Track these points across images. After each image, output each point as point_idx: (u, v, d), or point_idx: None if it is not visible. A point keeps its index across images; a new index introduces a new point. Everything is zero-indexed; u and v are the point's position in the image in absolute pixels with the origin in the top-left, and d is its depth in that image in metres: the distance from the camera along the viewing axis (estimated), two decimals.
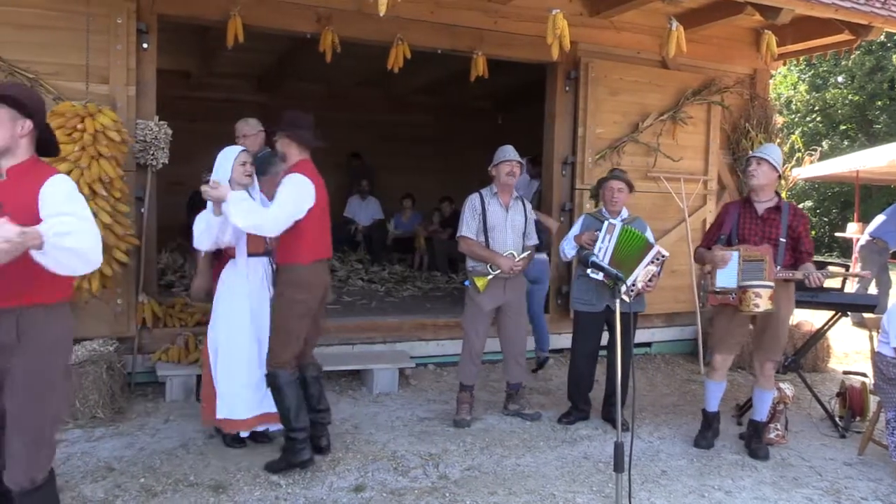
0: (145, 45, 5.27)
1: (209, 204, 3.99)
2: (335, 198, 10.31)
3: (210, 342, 4.28)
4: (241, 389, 4.18)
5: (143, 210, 5.27)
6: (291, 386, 3.99)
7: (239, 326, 4.21)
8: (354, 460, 4.21)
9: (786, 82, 22.66)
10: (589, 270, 4.81)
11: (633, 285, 4.70)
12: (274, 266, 4.26)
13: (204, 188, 3.90)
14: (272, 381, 4.00)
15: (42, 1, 4.81)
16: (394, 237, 10.05)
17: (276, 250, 4.14)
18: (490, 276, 4.80)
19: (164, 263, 7.34)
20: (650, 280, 4.74)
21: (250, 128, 5.23)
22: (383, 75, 7.27)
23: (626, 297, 4.62)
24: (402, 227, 10.11)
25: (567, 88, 6.70)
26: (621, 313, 3.35)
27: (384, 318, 6.41)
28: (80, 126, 4.66)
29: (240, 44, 5.55)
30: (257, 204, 4.00)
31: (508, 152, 4.92)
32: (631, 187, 4.96)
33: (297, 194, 3.87)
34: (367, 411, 5.11)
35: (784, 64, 9.19)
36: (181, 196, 7.39)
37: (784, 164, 7.58)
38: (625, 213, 4.95)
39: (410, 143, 11.28)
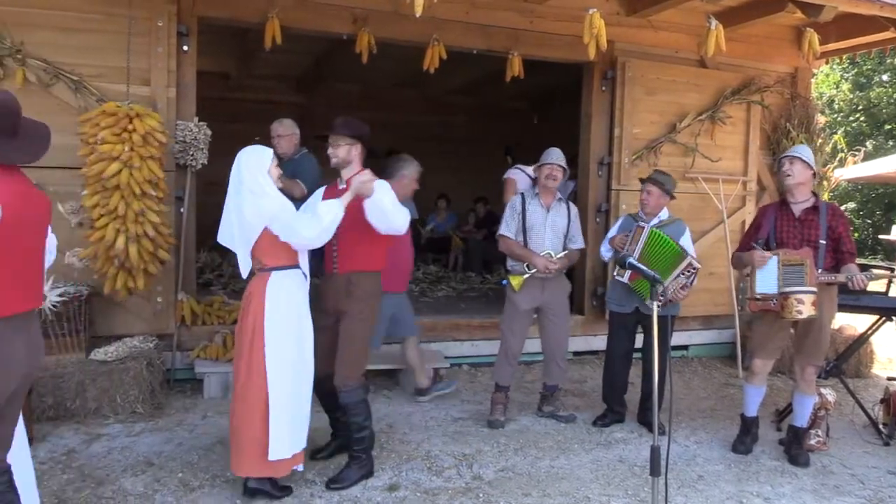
0: (185, 48, 5.37)
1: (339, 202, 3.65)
2: None
3: (273, 369, 3.55)
4: (305, 418, 3.74)
5: (182, 210, 5.36)
6: (367, 400, 3.96)
7: (306, 343, 3.74)
8: (389, 459, 4.22)
9: (828, 81, 22.18)
10: (615, 273, 4.80)
11: (663, 293, 4.62)
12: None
13: (362, 180, 3.64)
14: (355, 396, 3.85)
15: (85, 4, 4.92)
16: (428, 237, 10.07)
17: (347, 257, 3.86)
18: (526, 276, 4.78)
19: (202, 262, 7.45)
20: (681, 288, 4.65)
21: (284, 128, 5.29)
22: (419, 76, 7.29)
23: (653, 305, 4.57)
24: (437, 228, 10.12)
25: (603, 88, 6.65)
26: (662, 315, 3.29)
27: (419, 318, 6.39)
28: (129, 127, 4.76)
29: (278, 45, 5.63)
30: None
31: (551, 155, 4.89)
32: (665, 189, 4.83)
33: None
34: (401, 411, 5.13)
35: (826, 62, 8.98)
36: (219, 196, 7.49)
37: (826, 164, 7.44)
38: (664, 214, 4.88)
39: (445, 143, 11.29)
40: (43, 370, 4.60)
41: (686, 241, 4.79)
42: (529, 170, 7.20)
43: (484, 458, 4.33)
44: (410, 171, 5.05)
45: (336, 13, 5.79)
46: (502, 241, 4.93)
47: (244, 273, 3.68)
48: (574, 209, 5.07)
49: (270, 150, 3.72)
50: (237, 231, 3.62)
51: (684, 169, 6.76)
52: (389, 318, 4.97)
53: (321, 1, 5.73)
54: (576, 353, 6.61)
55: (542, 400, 5.14)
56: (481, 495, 3.82)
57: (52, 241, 2.86)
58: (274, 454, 3.52)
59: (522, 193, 5.00)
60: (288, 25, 5.62)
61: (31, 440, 4.16)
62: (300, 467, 3.78)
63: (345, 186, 3.85)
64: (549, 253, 4.82)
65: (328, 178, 4.32)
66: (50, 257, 2.85)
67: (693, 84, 6.84)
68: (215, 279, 7.42)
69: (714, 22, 5.55)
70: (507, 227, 4.91)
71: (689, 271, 4.59)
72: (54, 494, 3.62)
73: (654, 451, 3.02)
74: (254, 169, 3.59)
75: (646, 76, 6.64)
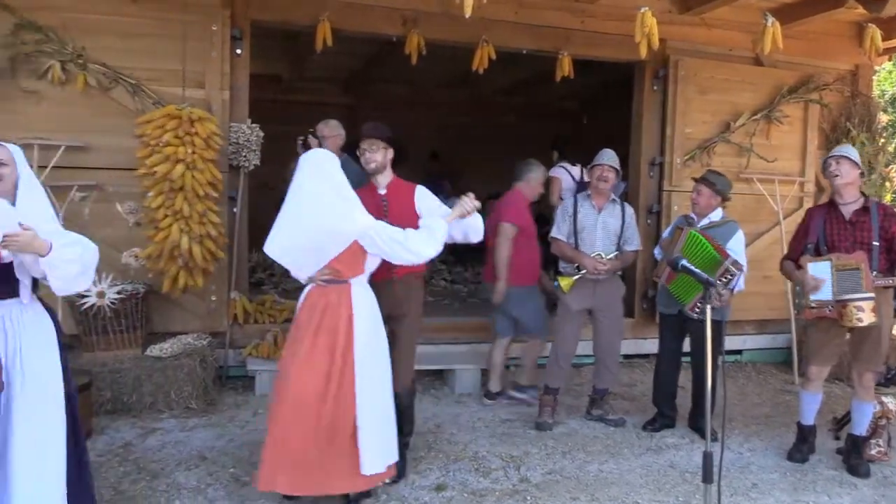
0: (238, 51, 5.48)
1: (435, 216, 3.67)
2: None
3: (362, 381, 3.43)
4: (394, 429, 3.66)
5: (235, 210, 5.46)
6: None
7: (386, 352, 3.66)
8: (436, 460, 4.23)
9: (891, 78, 21.46)
10: (654, 275, 4.72)
11: (700, 301, 4.45)
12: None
13: (468, 204, 3.67)
14: (409, 400, 4.00)
15: (143, 10, 5.05)
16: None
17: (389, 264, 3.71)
18: (576, 277, 4.74)
19: (254, 262, 7.58)
20: (720, 294, 4.46)
21: (330, 129, 5.35)
22: (467, 76, 7.29)
23: (692, 314, 4.48)
24: (487, 229, 10.08)
25: (655, 87, 6.55)
26: (703, 320, 3.21)
27: (467, 319, 6.42)
28: (192, 130, 4.88)
29: (328, 48, 5.69)
30: None
31: (604, 156, 4.84)
32: (716, 190, 4.70)
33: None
34: (448, 411, 5.13)
35: (889, 59, 8.69)
36: (270, 196, 7.61)
37: (889, 164, 7.20)
38: (717, 215, 4.77)
39: (494, 144, 11.24)
40: (100, 365, 4.75)
41: (737, 243, 4.66)
42: (575, 169, 7.18)
43: (531, 460, 4.30)
44: (537, 174, 5.29)
45: (386, 15, 5.83)
46: (554, 243, 4.92)
47: (305, 279, 3.58)
48: (630, 210, 4.99)
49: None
50: (316, 239, 3.42)
51: (738, 169, 6.61)
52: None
53: (371, 3, 5.78)
54: (626, 357, 6.51)
55: (591, 403, 5.09)
56: (528, 498, 3.80)
57: None
58: (368, 468, 3.41)
59: (575, 195, 4.98)
60: (338, 28, 5.68)
61: (90, 433, 4.33)
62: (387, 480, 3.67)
63: (385, 192, 3.89)
64: (599, 254, 4.77)
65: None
66: None
67: (748, 83, 6.69)
68: (267, 278, 7.54)
69: (770, 19, 5.42)
70: (559, 229, 4.90)
71: (725, 277, 4.43)
72: (112, 486, 3.73)
73: (707, 458, 2.95)
74: (340, 176, 3.50)
75: (699, 75, 6.52)
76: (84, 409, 4.32)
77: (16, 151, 2.90)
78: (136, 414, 4.76)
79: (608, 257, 4.79)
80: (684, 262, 3.20)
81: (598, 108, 10.78)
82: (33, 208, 2.83)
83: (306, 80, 10.24)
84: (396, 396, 3.70)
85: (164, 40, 5.18)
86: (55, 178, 4.86)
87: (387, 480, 3.66)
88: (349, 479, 3.41)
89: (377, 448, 3.45)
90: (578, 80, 6.92)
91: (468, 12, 4.35)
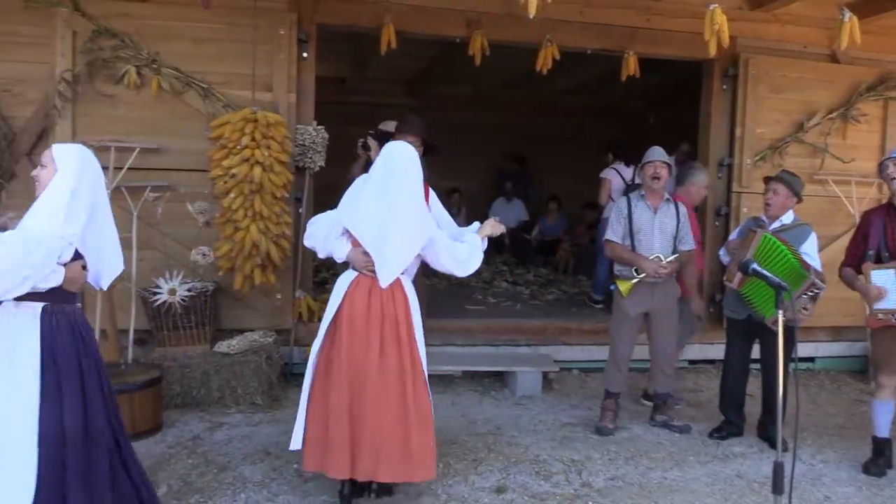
0: (305, 54, 5.58)
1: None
2: (480, 200, 10.39)
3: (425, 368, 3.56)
4: None
5: (300, 210, 5.56)
6: None
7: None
8: (496, 461, 4.22)
9: None
10: (724, 279, 4.57)
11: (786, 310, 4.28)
12: None
13: (496, 226, 3.72)
14: None
15: (214, 16, 5.18)
16: (539, 240, 9.99)
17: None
18: (634, 280, 4.65)
19: (318, 261, 7.70)
20: (804, 309, 4.32)
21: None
22: (530, 77, 7.25)
23: (774, 327, 4.29)
24: (548, 231, 10.03)
25: (724, 86, 6.39)
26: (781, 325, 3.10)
27: (528, 321, 6.39)
28: (268, 133, 4.98)
29: (391, 49, 5.74)
30: None
31: (654, 153, 4.75)
32: (793, 190, 4.55)
33: None
34: (509, 413, 5.11)
35: None
36: (334, 196, 7.70)
37: None
38: (789, 218, 4.61)
39: (557, 144, 11.17)
40: (171, 360, 4.90)
41: (810, 247, 4.50)
42: (627, 171, 7.15)
43: (593, 465, 4.24)
44: (700, 179, 5.20)
45: (450, 17, 5.85)
46: (609, 246, 4.81)
47: (386, 282, 3.41)
48: (683, 209, 4.88)
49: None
50: (406, 236, 3.40)
51: (812, 170, 6.39)
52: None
53: (435, 5, 5.81)
54: (691, 362, 6.38)
55: (654, 409, 4.99)
56: (590, 503, 3.75)
57: None
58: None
59: (628, 196, 4.87)
60: (402, 30, 5.73)
61: (160, 426, 4.47)
62: None
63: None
64: (658, 256, 4.67)
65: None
66: None
67: (823, 80, 6.46)
68: (330, 278, 7.63)
69: (848, 14, 5.20)
70: (614, 232, 4.78)
71: (812, 291, 4.26)
72: (181, 477, 3.84)
73: (777, 468, 2.86)
74: (419, 176, 3.47)
75: (771, 73, 6.33)
76: (155, 402, 4.49)
77: (59, 152, 2.82)
78: (205, 408, 4.89)
79: (668, 260, 4.69)
80: (755, 265, 3.10)
81: (664, 108, 10.58)
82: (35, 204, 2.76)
83: (369, 81, 10.35)
84: None
85: (233, 45, 5.32)
86: (130, 179, 5.03)
87: None
88: (431, 466, 3.49)
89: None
90: (644, 80, 6.82)
91: (532, 13, 4.32)
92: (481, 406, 5.21)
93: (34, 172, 2.85)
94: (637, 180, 7.27)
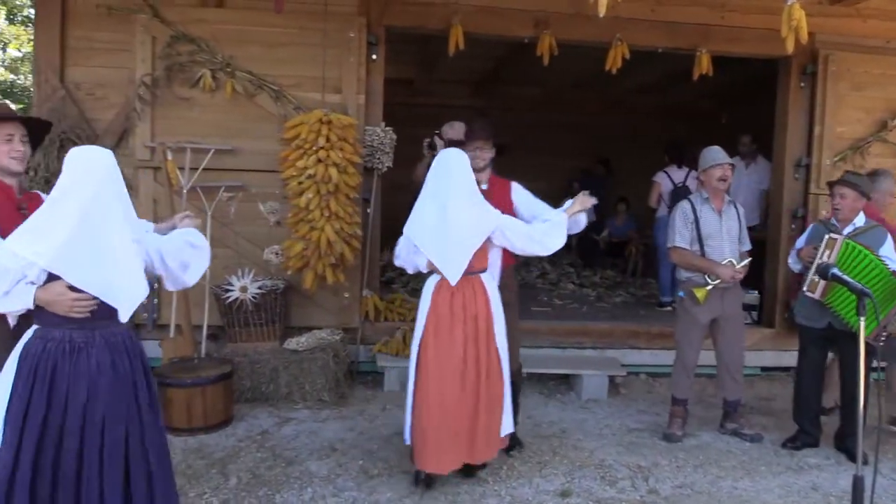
0: (374, 56, 5.65)
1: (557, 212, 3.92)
2: (549, 200, 10.24)
3: (503, 359, 3.78)
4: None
5: (368, 210, 5.63)
6: None
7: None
8: (561, 465, 4.18)
9: None
10: (806, 287, 4.38)
11: (884, 328, 4.02)
12: None
13: (586, 200, 3.94)
14: (518, 377, 4.18)
15: (286, 20, 5.29)
16: (607, 241, 9.84)
17: (504, 255, 4.03)
18: (710, 287, 4.53)
19: (384, 261, 7.78)
20: None
21: (455, 132, 5.37)
22: (599, 76, 7.15)
23: (877, 343, 4.05)
24: (616, 232, 9.88)
25: (802, 84, 6.17)
26: (852, 333, 2.97)
27: (595, 324, 6.31)
28: (343, 134, 5.07)
29: (459, 51, 5.75)
30: None
31: (717, 155, 4.61)
32: (861, 191, 4.36)
33: None
34: (574, 417, 5.06)
35: None
36: (401, 197, 7.76)
37: None
38: (861, 220, 4.41)
39: (625, 144, 11.00)
40: (241, 355, 5.03)
41: (888, 249, 4.30)
42: (679, 173, 7.06)
43: (661, 472, 4.16)
44: (887, 185, 4.99)
45: (518, 17, 5.83)
46: (676, 252, 4.66)
47: (454, 279, 3.63)
48: (741, 209, 4.78)
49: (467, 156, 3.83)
50: (462, 234, 3.60)
51: None
52: None
53: (503, 6, 5.80)
54: (764, 369, 6.18)
55: (724, 416, 4.85)
56: None
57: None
58: (505, 430, 3.80)
59: (690, 199, 4.74)
60: (470, 31, 5.74)
61: (231, 419, 4.60)
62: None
63: (486, 187, 4.05)
64: (730, 261, 4.54)
65: None
66: None
67: None
68: (397, 277, 7.71)
69: None
70: (681, 237, 4.64)
71: None
72: (250, 470, 3.94)
73: (857, 482, 2.74)
74: (471, 174, 3.69)
75: (852, 70, 6.08)
76: (226, 396, 4.63)
77: (66, 158, 2.68)
78: (273, 403, 5.00)
79: (741, 264, 4.55)
80: (835, 270, 2.98)
81: (737, 107, 10.28)
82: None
83: (436, 82, 10.39)
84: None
85: (304, 48, 5.42)
86: (205, 179, 5.19)
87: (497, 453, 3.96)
88: (489, 449, 3.75)
89: (509, 413, 3.82)
90: (716, 78, 6.63)
91: (602, 12, 4.24)
92: (546, 408, 5.17)
93: None
94: (686, 183, 7.20)
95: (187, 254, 2.84)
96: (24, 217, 2.65)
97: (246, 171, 5.46)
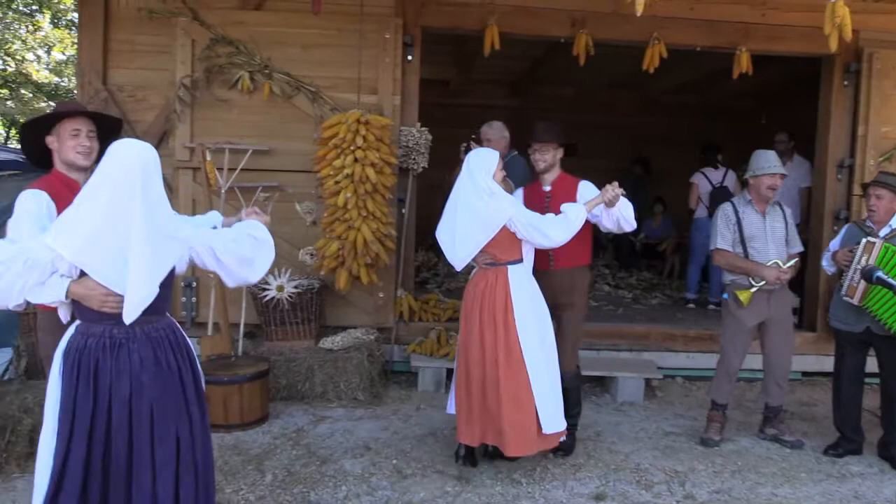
0: (409, 57, 5.67)
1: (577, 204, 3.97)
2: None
3: (528, 352, 3.83)
4: (560, 397, 3.96)
5: (403, 211, 5.65)
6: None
7: (550, 330, 4.00)
8: (596, 468, 4.14)
9: None
10: (843, 292, 4.28)
11: None
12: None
13: (611, 193, 3.92)
14: (573, 382, 4.20)
15: (323, 22, 5.33)
16: (643, 243, 9.74)
17: (564, 255, 4.09)
18: (754, 289, 4.45)
19: (419, 261, 7.81)
20: None
21: (494, 132, 5.38)
22: (635, 76, 7.09)
23: None
24: (652, 234, 9.77)
25: (846, 83, 6.03)
26: (892, 336, 2.89)
27: (631, 326, 6.24)
28: (380, 135, 5.10)
29: (495, 51, 5.74)
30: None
31: (772, 163, 4.51)
32: None
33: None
34: (609, 419, 5.01)
35: None
36: (437, 198, 7.77)
37: None
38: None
39: (662, 144, 10.87)
40: (277, 354, 5.08)
41: None
42: (716, 174, 6.99)
43: (697, 477, 4.10)
44: None
45: (554, 16, 5.80)
46: (719, 255, 4.59)
47: (459, 266, 3.95)
48: (788, 210, 4.69)
49: (497, 153, 3.99)
50: (468, 228, 3.83)
51: None
52: None
53: (539, 5, 5.77)
54: (805, 374, 6.06)
55: (764, 421, 4.76)
56: None
57: None
58: (548, 428, 3.80)
59: (732, 201, 4.67)
60: (506, 31, 5.72)
61: (267, 416, 4.65)
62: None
63: (549, 188, 4.20)
64: (776, 262, 4.46)
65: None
66: None
67: None
68: (431, 278, 7.74)
69: None
70: (723, 239, 4.57)
71: None
72: (285, 467, 3.98)
73: None
74: (486, 171, 3.86)
75: None
76: (262, 393, 4.68)
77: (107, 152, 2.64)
78: (308, 401, 5.04)
79: (787, 265, 4.47)
80: (880, 273, 2.91)
81: (777, 107, 10.10)
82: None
83: (472, 83, 10.39)
84: (561, 378, 3.99)
85: (341, 50, 5.46)
86: (243, 180, 5.26)
87: (551, 454, 4.14)
88: (523, 444, 3.79)
89: (552, 411, 3.84)
90: (756, 77, 6.52)
91: (640, 10, 4.20)
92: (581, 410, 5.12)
93: None
94: (725, 183, 7.12)
95: (248, 247, 2.78)
96: None
97: (282, 172, 5.52)
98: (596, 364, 5.65)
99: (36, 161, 3.10)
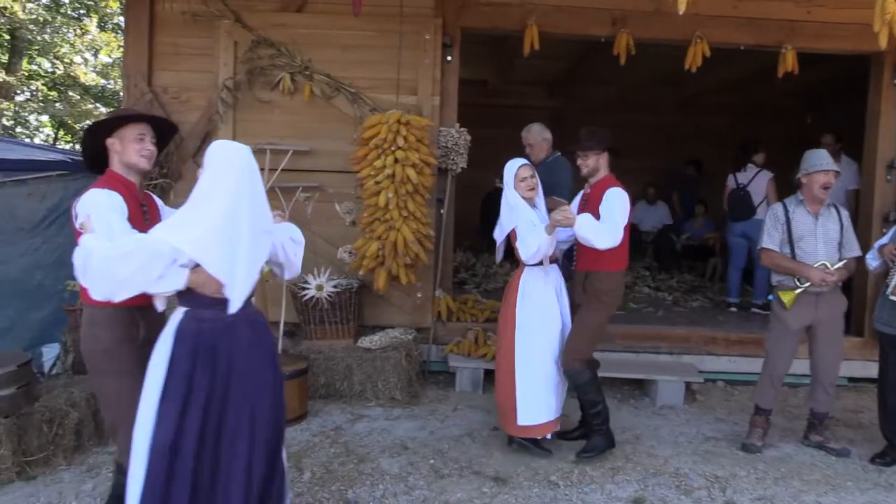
0: (449, 58, 5.68)
1: (541, 225, 4.08)
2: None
3: (520, 348, 4.16)
4: (552, 394, 4.22)
5: (441, 211, 5.66)
6: (595, 380, 4.26)
7: (551, 331, 4.23)
8: (634, 472, 4.10)
9: None
10: (889, 290, 4.17)
11: None
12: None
13: (556, 217, 3.89)
14: (579, 378, 4.18)
15: (363, 23, 5.37)
16: (684, 244, 9.60)
17: (582, 258, 4.27)
18: (798, 291, 4.36)
19: (457, 262, 7.81)
20: None
21: (533, 136, 5.35)
22: (677, 75, 7.00)
23: None
24: (694, 235, 9.63)
25: (895, 82, 5.87)
26: None
27: (671, 328, 6.16)
28: (420, 136, 5.12)
29: (534, 51, 5.72)
30: (593, 220, 4.01)
31: (824, 160, 4.41)
32: None
33: (626, 207, 4.10)
34: (648, 423, 4.95)
35: None
36: (475, 198, 7.79)
37: None
38: None
39: (704, 145, 10.72)
40: (316, 352, 5.13)
41: None
42: (744, 175, 6.84)
43: (739, 483, 4.02)
44: None
45: (595, 16, 5.76)
46: (766, 254, 4.52)
47: (497, 259, 4.55)
48: (845, 213, 4.55)
49: (516, 164, 4.22)
50: (498, 232, 4.30)
51: None
52: None
53: (580, 5, 5.74)
54: (851, 380, 5.91)
55: (808, 428, 4.65)
56: None
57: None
58: (522, 420, 4.14)
59: (784, 202, 4.56)
60: (546, 30, 5.70)
61: (306, 414, 4.69)
62: (549, 436, 4.26)
63: (588, 191, 4.30)
64: (823, 264, 4.35)
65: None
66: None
67: None
68: (469, 278, 7.73)
69: None
70: (770, 239, 4.49)
71: None
72: (323, 465, 4.01)
73: None
74: (508, 184, 4.21)
75: None
76: (301, 392, 4.73)
77: (208, 152, 2.80)
78: (347, 400, 5.08)
79: (835, 267, 4.36)
80: None
81: (824, 106, 9.88)
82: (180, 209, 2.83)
83: (511, 83, 10.37)
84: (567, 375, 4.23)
85: (380, 51, 5.49)
86: (283, 180, 5.32)
87: (548, 436, 4.26)
88: (510, 426, 4.21)
89: (531, 405, 4.13)
90: (801, 77, 6.39)
91: (682, 8, 4.15)
92: (619, 413, 5.07)
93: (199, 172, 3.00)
94: (749, 186, 6.97)
95: (291, 248, 3.02)
96: (145, 214, 2.96)
97: (322, 172, 5.57)
98: (635, 367, 5.60)
99: (91, 161, 3.15)
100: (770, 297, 4.56)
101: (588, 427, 4.32)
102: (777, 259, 4.46)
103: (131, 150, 3.00)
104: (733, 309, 7.20)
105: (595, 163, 4.23)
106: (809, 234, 4.41)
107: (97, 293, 2.56)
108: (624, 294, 7.63)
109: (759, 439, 4.52)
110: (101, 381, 3.02)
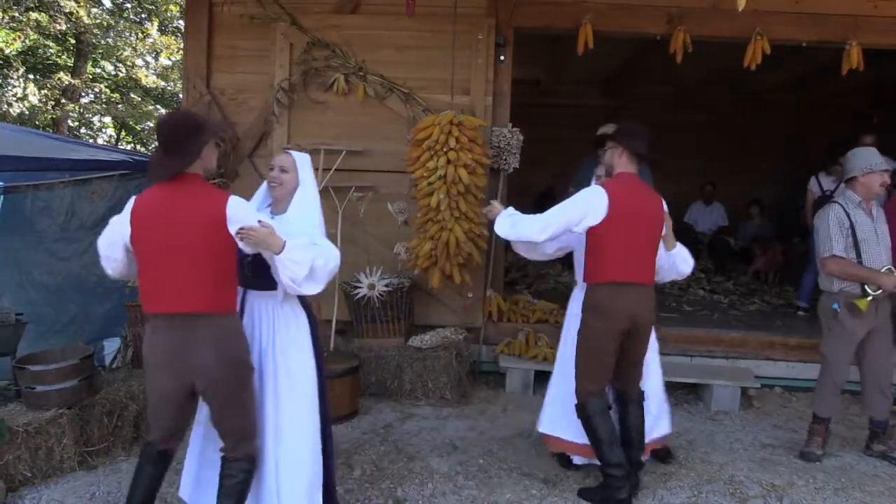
0: (502, 58, 5.66)
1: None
2: (681, 203, 9.78)
3: (560, 356, 4.05)
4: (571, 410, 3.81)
5: None
6: (601, 417, 3.66)
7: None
8: (687, 477, 4.02)
9: None
10: None
11: None
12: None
13: (483, 210, 4.01)
14: (580, 411, 3.71)
15: (417, 24, 5.40)
16: (740, 246, 9.35)
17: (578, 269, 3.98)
18: (870, 298, 4.20)
19: (508, 262, 7.76)
20: None
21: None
22: (735, 73, 6.84)
23: None
24: (750, 236, 9.39)
25: None
26: None
27: (727, 332, 6.01)
28: (473, 136, 5.11)
29: (588, 50, 5.66)
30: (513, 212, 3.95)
31: (877, 158, 4.26)
32: None
33: (570, 204, 3.70)
34: (702, 428, 4.86)
35: None
36: (528, 198, 7.74)
37: None
38: None
39: (762, 144, 10.45)
40: (367, 351, 5.17)
41: None
42: (825, 180, 6.54)
43: (797, 492, 3.91)
44: None
45: (650, 13, 5.67)
46: (835, 262, 4.25)
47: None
48: (880, 210, 4.41)
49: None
50: None
51: None
52: None
53: (635, 2, 5.66)
54: None
55: (870, 437, 4.49)
56: None
57: None
58: (543, 426, 4.06)
59: (839, 203, 4.34)
60: (600, 29, 5.63)
61: (356, 412, 4.74)
62: (576, 459, 4.01)
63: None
64: (889, 268, 4.20)
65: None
66: None
67: None
68: (520, 279, 7.69)
69: None
70: (838, 245, 4.26)
71: None
72: (373, 462, 4.05)
73: None
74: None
75: None
76: (353, 389, 4.77)
77: (300, 159, 3.20)
78: (397, 399, 5.12)
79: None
80: None
81: (892, 104, 9.52)
82: (301, 212, 3.08)
83: (565, 83, 10.26)
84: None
85: (433, 51, 5.52)
86: (337, 180, 5.38)
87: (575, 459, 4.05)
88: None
89: (551, 412, 4.07)
90: (866, 74, 6.17)
91: (741, 5, 4.06)
92: (672, 418, 4.97)
93: (275, 174, 3.14)
94: (828, 189, 6.68)
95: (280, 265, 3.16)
96: None
97: (375, 172, 5.62)
98: (689, 371, 5.49)
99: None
100: (835, 305, 4.33)
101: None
102: (847, 266, 4.24)
103: (212, 155, 3.06)
104: (801, 313, 6.92)
105: (609, 158, 3.83)
106: (871, 237, 4.25)
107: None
108: (679, 297, 7.54)
109: (819, 448, 4.38)
110: (246, 393, 2.92)
